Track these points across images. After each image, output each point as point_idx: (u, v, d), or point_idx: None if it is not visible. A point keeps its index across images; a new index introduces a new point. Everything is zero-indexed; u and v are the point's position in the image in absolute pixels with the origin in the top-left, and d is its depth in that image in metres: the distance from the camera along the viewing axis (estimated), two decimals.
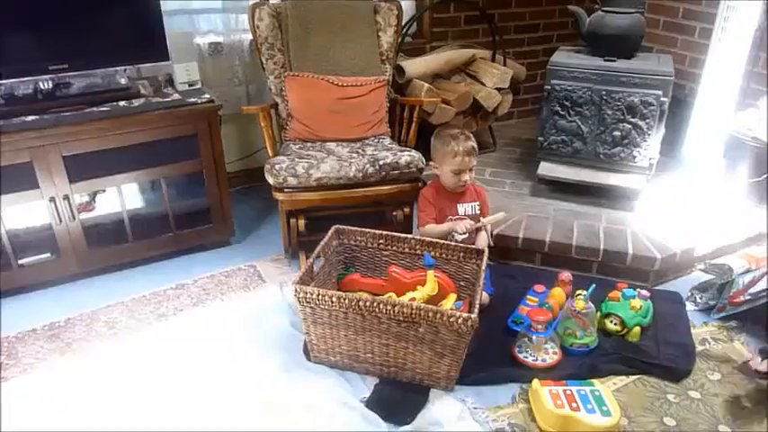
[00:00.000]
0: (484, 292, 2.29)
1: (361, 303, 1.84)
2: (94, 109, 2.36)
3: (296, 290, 1.89)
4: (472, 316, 1.77)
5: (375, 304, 1.82)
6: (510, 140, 3.55)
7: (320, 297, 1.87)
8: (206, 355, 2.09)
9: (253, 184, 3.27)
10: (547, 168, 2.88)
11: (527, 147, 3.42)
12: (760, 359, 1.91)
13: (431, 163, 2.32)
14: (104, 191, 2.70)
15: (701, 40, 3.12)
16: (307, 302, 1.90)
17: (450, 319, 1.78)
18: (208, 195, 2.63)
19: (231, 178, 3.01)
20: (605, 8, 2.66)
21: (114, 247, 2.56)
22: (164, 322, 2.27)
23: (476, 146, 2.27)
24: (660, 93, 2.58)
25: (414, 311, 1.80)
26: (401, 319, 1.83)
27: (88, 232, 2.49)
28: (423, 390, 1.95)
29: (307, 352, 2.09)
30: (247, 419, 1.83)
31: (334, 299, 1.86)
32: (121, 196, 2.53)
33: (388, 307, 1.82)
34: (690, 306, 2.39)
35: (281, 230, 2.62)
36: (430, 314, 1.79)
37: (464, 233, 2.24)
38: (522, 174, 3.13)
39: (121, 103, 2.42)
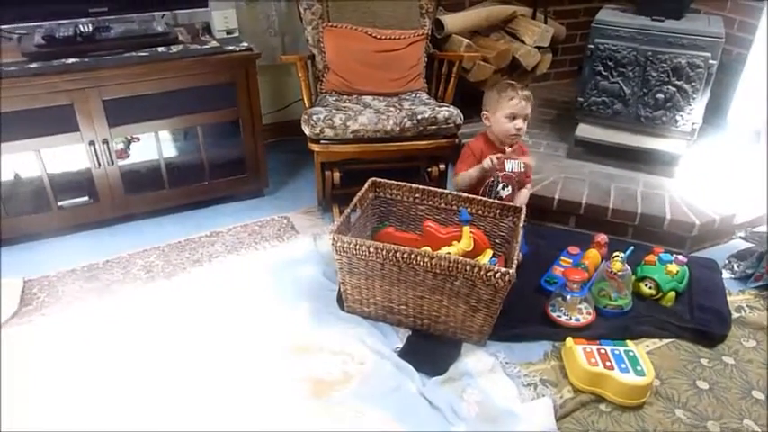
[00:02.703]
0: (518, 251, 2.28)
1: (398, 255, 1.84)
2: (134, 53, 2.36)
3: (333, 239, 1.89)
4: (510, 271, 1.76)
5: (413, 256, 1.82)
6: (545, 101, 3.48)
7: (357, 247, 1.87)
8: (239, 301, 2.12)
9: (285, 138, 3.25)
10: (585, 130, 2.82)
11: (563, 109, 3.35)
12: None
13: (483, 112, 2.27)
14: (138, 139, 2.72)
15: (753, 2, 3.00)
16: (344, 252, 1.91)
17: (488, 274, 1.77)
18: (243, 145, 2.64)
19: (264, 131, 3.00)
20: None
21: (150, 193, 2.59)
22: (198, 268, 2.30)
23: (531, 96, 2.22)
24: (709, 55, 2.49)
25: (451, 264, 1.80)
26: (438, 271, 1.83)
27: (125, 178, 2.52)
28: (455, 343, 1.97)
29: (340, 302, 2.11)
30: (276, 362, 1.87)
31: (371, 249, 1.86)
32: (158, 143, 2.55)
33: (426, 259, 1.82)
34: (726, 274, 2.35)
35: (315, 183, 2.61)
36: (468, 268, 1.79)
37: (491, 168, 2.19)
38: (557, 135, 3.08)
39: (160, 49, 2.41)
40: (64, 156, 2.44)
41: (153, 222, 2.60)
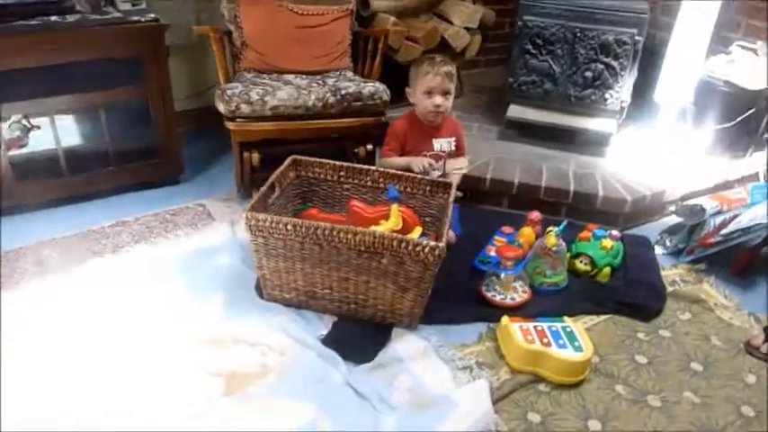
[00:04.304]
0: (451, 231, 2.17)
1: (319, 232, 1.68)
2: (22, 22, 2.11)
3: (247, 217, 1.71)
4: (440, 245, 1.63)
5: (335, 232, 1.67)
6: (477, 87, 3.41)
7: (274, 225, 1.70)
8: (145, 293, 1.90)
9: (205, 125, 3.02)
10: (516, 111, 2.76)
11: (494, 94, 3.29)
12: (763, 338, 1.83)
13: (407, 89, 2.16)
14: (39, 127, 2.45)
15: None
16: (259, 232, 1.73)
17: (416, 249, 1.64)
18: (154, 128, 2.41)
19: (181, 117, 2.78)
20: None
21: (47, 181, 2.33)
22: (99, 259, 2.06)
23: (454, 72, 2.13)
24: (635, 31, 2.48)
25: (377, 240, 1.66)
26: (362, 249, 1.69)
27: (18, 166, 2.24)
28: (385, 328, 1.82)
29: (259, 290, 1.93)
30: (185, 357, 1.67)
31: (289, 226, 1.69)
32: (54, 126, 2.30)
33: (349, 236, 1.67)
34: (659, 250, 2.33)
35: (234, 167, 2.42)
36: (394, 243, 1.65)
37: (421, 172, 2.09)
38: (489, 118, 3.00)
39: (53, 18, 2.17)
40: None
41: (49, 213, 2.33)
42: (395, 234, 1.68)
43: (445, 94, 2.10)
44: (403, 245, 1.65)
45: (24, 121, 2.47)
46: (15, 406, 1.49)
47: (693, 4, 2.57)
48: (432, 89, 2.07)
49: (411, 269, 1.70)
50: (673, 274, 2.19)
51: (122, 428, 1.45)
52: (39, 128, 2.46)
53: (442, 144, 2.20)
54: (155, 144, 2.45)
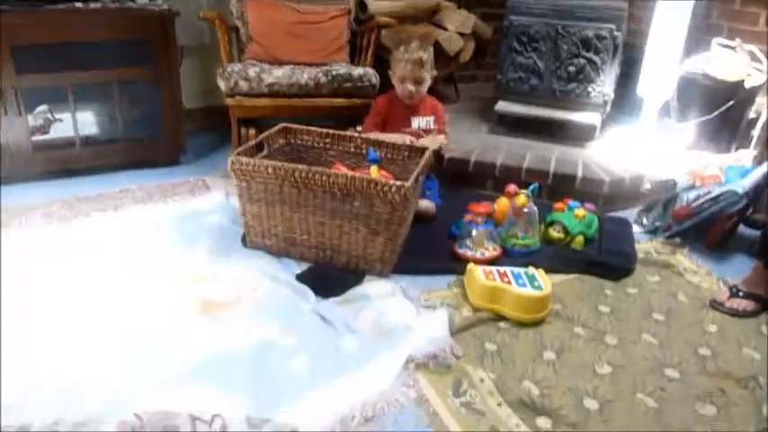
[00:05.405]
0: (430, 202, 2.28)
1: (296, 174, 1.81)
2: (49, 6, 2.35)
3: (232, 161, 1.86)
4: (405, 185, 1.75)
5: (311, 174, 1.80)
6: (472, 97, 3.56)
7: (256, 168, 1.84)
8: (139, 241, 2.04)
9: (212, 123, 3.22)
10: (504, 106, 2.90)
11: (489, 102, 3.43)
12: (728, 295, 1.88)
13: (389, 71, 2.32)
14: (61, 120, 2.68)
15: None
16: (243, 176, 1.88)
17: (384, 188, 1.75)
18: (160, 106, 2.61)
19: (191, 113, 3.00)
20: None
21: (61, 152, 2.52)
22: (100, 213, 2.22)
23: (426, 58, 2.27)
24: (614, 26, 2.62)
25: (348, 182, 1.78)
26: (336, 191, 1.81)
27: (37, 146, 2.47)
28: (358, 274, 1.92)
29: (244, 241, 2.05)
30: (170, 289, 1.78)
31: (270, 169, 1.83)
32: (74, 118, 2.51)
33: (324, 177, 1.79)
34: (637, 228, 2.38)
35: (232, 143, 2.59)
36: (364, 184, 1.77)
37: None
38: (481, 117, 3.14)
39: (77, 5, 2.41)
40: None
41: (61, 182, 2.51)
42: (364, 176, 1.80)
43: (417, 81, 2.24)
44: (372, 185, 1.76)
45: (48, 115, 2.73)
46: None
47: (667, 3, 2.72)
48: (404, 77, 2.23)
49: (380, 211, 1.80)
50: (648, 246, 2.24)
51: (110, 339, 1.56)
52: (61, 121, 2.69)
53: (420, 122, 2.34)
54: (160, 124, 2.64)
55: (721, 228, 2.19)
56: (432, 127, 2.36)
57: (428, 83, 2.31)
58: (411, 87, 2.25)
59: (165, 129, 2.65)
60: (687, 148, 2.76)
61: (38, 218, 2.19)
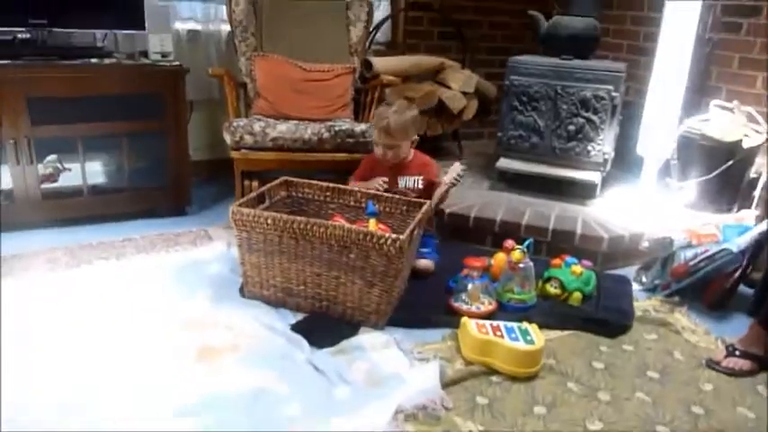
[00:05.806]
0: (428, 260, 2.30)
1: (295, 225, 1.85)
2: (66, 61, 2.47)
3: (233, 211, 1.91)
4: (401, 237, 1.78)
5: (309, 226, 1.84)
6: (476, 153, 3.63)
7: (255, 218, 1.88)
8: (140, 289, 2.07)
9: (217, 174, 3.29)
10: (505, 163, 2.95)
11: (491, 159, 3.49)
12: (725, 354, 1.87)
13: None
14: (70, 170, 2.77)
15: (646, 43, 3.30)
16: (243, 226, 1.92)
17: (380, 241, 1.78)
18: (167, 158, 2.68)
19: (197, 165, 3.08)
20: (563, 12, 2.83)
21: (69, 200, 2.60)
22: (103, 261, 2.26)
23: (398, 125, 2.22)
24: (612, 87, 2.70)
25: (345, 233, 1.81)
26: (333, 242, 1.84)
27: (46, 194, 2.56)
28: (353, 325, 1.92)
29: (242, 291, 2.07)
30: (166, 335, 1.80)
31: (269, 220, 1.87)
32: (83, 168, 2.60)
33: (321, 229, 1.83)
34: (636, 286, 2.38)
35: (235, 195, 2.64)
36: (360, 236, 1.80)
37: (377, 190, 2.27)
38: (483, 174, 3.19)
39: (93, 60, 2.53)
40: None
41: (66, 230, 2.56)
42: (361, 228, 1.84)
43: (386, 146, 2.27)
44: (368, 238, 1.80)
45: (58, 164, 2.82)
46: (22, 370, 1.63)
47: (665, 64, 2.79)
48: (376, 142, 2.29)
49: (376, 263, 1.83)
50: (647, 304, 2.23)
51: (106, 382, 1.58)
52: (70, 170, 2.78)
53: (407, 182, 2.36)
54: (167, 175, 2.72)
55: (720, 286, 2.18)
56: (420, 186, 2.38)
57: (405, 146, 2.31)
58: (380, 151, 2.29)
59: (171, 179, 2.72)
60: (688, 207, 2.78)
61: (41, 264, 2.23)
